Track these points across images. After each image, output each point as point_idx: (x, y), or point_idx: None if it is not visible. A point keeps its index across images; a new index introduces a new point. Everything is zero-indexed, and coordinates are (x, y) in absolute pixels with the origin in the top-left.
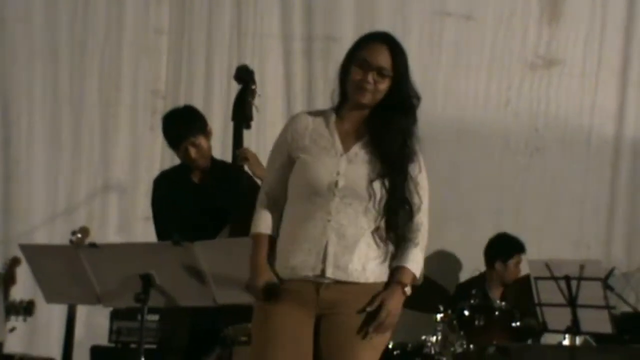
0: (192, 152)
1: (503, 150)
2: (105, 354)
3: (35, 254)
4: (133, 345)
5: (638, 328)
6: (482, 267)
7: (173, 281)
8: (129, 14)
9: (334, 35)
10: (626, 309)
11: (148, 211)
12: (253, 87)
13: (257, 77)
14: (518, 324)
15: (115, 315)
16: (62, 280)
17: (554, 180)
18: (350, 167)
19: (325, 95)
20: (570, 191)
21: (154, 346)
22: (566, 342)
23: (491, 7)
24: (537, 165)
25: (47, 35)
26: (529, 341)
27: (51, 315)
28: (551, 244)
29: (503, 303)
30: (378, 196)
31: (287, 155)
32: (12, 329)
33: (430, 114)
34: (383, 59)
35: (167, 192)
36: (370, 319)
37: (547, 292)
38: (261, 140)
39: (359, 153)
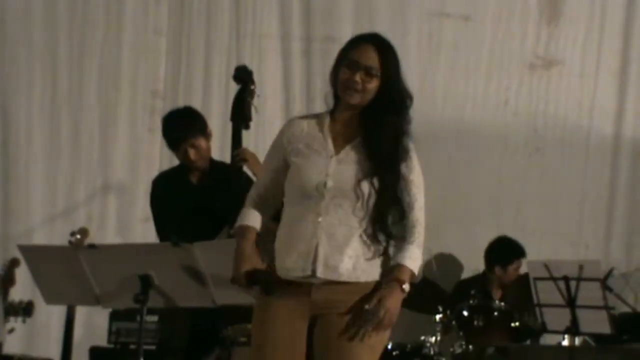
0: (192, 153)
1: (502, 150)
2: (104, 354)
3: (34, 254)
4: (132, 346)
5: (637, 328)
6: (482, 268)
7: (172, 282)
8: (128, 15)
9: (333, 36)
10: (625, 309)
11: (147, 212)
12: (252, 87)
13: (256, 78)
14: (517, 324)
15: (114, 316)
16: (61, 281)
17: (553, 181)
18: (339, 168)
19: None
20: (569, 191)
21: (153, 347)
22: (565, 342)
23: (490, 7)
24: (536, 165)
25: (46, 35)
26: (528, 341)
27: (50, 316)
28: (550, 244)
29: (502, 303)
30: (366, 196)
31: (283, 159)
32: (11, 330)
33: (430, 114)
34: (370, 59)
35: (166, 192)
36: (368, 317)
37: (546, 293)
38: (260, 141)
39: (349, 153)
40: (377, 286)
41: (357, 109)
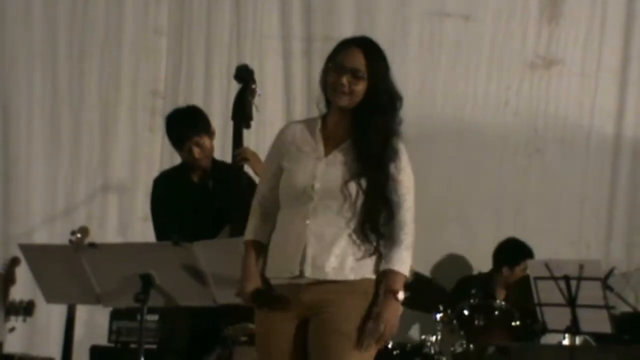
0: (196, 151)
1: (502, 150)
2: (105, 354)
3: (35, 254)
4: (133, 345)
5: (637, 328)
6: (482, 268)
7: (173, 281)
8: (128, 15)
9: (334, 36)
10: (626, 308)
11: (147, 211)
12: (253, 86)
13: (256, 77)
14: (518, 323)
15: (114, 315)
16: (62, 280)
17: (553, 180)
18: (327, 170)
19: None
20: (569, 191)
21: (153, 346)
22: (566, 342)
23: (490, 7)
24: (536, 165)
25: (46, 35)
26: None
27: (51, 315)
28: (551, 243)
29: (503, 303)
30: (354, 196)
31: (277, 164)
32: (12, 329)
33: (430, 114)
34: (356, 61)
35: (167, 191)
36: (370, 334)
37: (547, 292)
38: (261, 140)
39: (338, 155)
40: (369, 285)
41: (347, 111)
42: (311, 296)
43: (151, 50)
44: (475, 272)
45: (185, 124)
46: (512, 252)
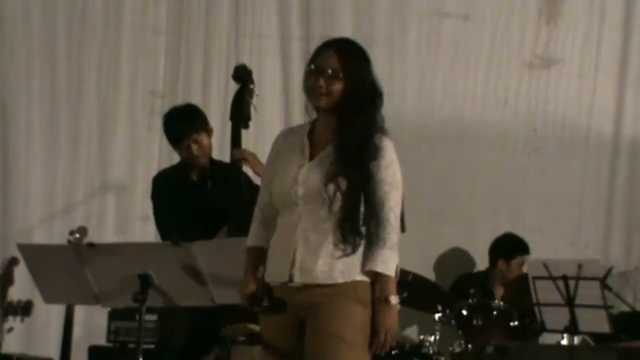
0: (195, 149)
1: (501, 150)
2: (103, 354)
3: (33, 253)
4: (131, 345)
5: (636, 327)
6: (481, 267)
7: (171, 281)
8: (126, 14)
9: (332, 35)
10: (624, 308)
11: (146, 211)
12: (251, 86)
13: (255, 77)
14: (516, 323)
15: (113, 315)
16: (60, 280)
17: (552, 180)
18: (308, 175)
19: None
20: (568, 191)
21: (152, 346)
22: (564, 341)
23: (489, 7)
24: (535, 165)
25: (45, 35)
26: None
27: (49, 315)
28: (549, 243)
29: (501, 303)
30: (333, 197)
31: (273, 172)
32: (10, 329)
33: (429, 114)
34: (332, 61)
35: (166, 190)
36: (373, 343)
37: (545, 292)
38: (259, 140)
39: (323, 159)
40: (360, 288)
41: (333, 114)
42: (303, 299)
43: (150, 50)
44: (473, 270)
45: (183, 122)
46: (507, 245)
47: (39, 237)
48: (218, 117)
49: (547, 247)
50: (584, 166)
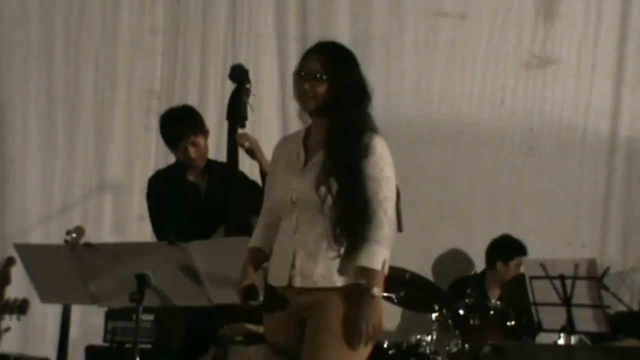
0: (192, 151)
1: (498, 149)
2: (100, 353)
3: (30, 253)
4: (128, 345)
5: (632, 327)
6: (477, 268)
7: (168, 281)
8: (124, 14)
9: (329, 35)
10: (621, 308)
11: (143, 211)
12: (248, 86)
13: (252, 77)
14: (513, 323)
15: (110, 315)
16: (57, 280)
17: (549, 180)
18: (301, 181)
19: None
20: (565, 190)
21: (149, 346)
22: (561, 341)
23: (486, 6)
24: (532, 164)
25: (42, 35)
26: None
27: (46, 315)
28: (546, 243)
29: (498, 302)
30: (325, 199)
31: (274, 180)
32: (7, 329)
33: (426, 113)
34: (315, 65)
35: (162, 190)
36: (357, 339)
37: (542, 292)
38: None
39: (316, 163)
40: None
41: (325, 118)
42: (305, 299)
43: (147, 50)
44: (471, 271)
45: (180, 124)
46: (505, 247)
47: (36, 237)
48: (215, 117)
49: (544, 247)
50: (581, 166)
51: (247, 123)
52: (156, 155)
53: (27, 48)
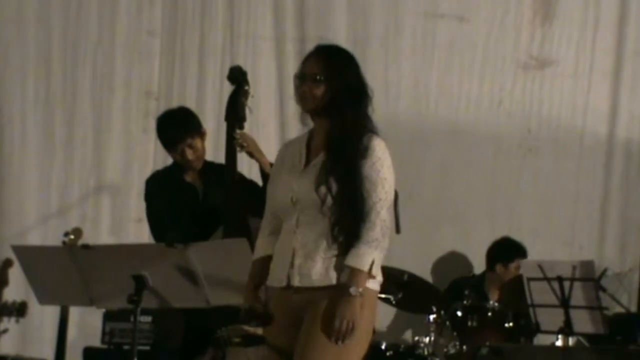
0: (189, 153)
1: (496, 151)
2: (98, 355)
3: (28, 255)
4: (126, 347)
5: (630, 328)
6: (475, 269)
7: (166, 282)
8: (121, 16)
9: (327, 37)
10: (619, 309)
11: (141, 212)
12: (246, 87)
13: (250, 79)
14: (511, 324)
15: (108, 317)
16: (55, 282)
17: (546, 181)
18: (301, 182)
19: None
20: (563, 192)
21: (147, 347)
22: (559, 342)
23: (484, 8)
24: (530, 166)
25: (39, 37)
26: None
27: (44, 317)
28: (544, 244)
29: (496, 304)
30: (324, 200)
31: (276, 183)
32: (5, 331)
33: (423, 115)
34: (313, 67)
35: (160, 192)
36: (330, 334)
37: (540, 293)
38: None
39: (316, 164)
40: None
41: (323, 118)
42: (302, 299)
43: (145, 52)
44: (469, 272)
45: (177, 126)
46: (506, 249)
47: (34, 239)
48: (213, 119)
49: (542, 248)
50: (579, 167)
51: (245, 124)
52: (154, 157)
53: (25, 49)
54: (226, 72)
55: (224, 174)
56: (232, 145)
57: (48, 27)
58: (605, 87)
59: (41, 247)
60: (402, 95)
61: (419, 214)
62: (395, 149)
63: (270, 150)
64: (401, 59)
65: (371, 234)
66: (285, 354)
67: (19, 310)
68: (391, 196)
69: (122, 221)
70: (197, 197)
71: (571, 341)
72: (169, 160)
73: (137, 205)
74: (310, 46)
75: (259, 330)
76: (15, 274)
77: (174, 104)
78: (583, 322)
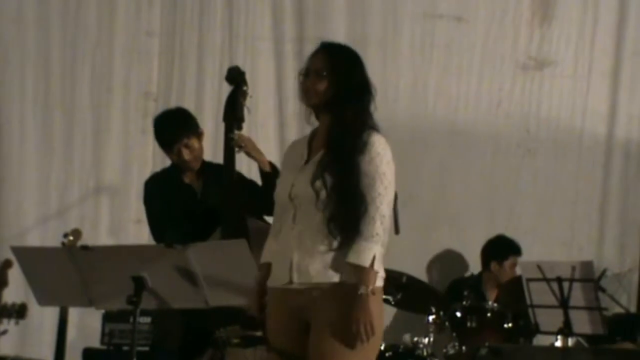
0: (186, 153)
1: (495, 151)
2: (98, 356)
3: (27, 256)
4: (125, 348)
5: (630, 329)
6: (474, 270)
7: (165, 283)
8: (120, 17)
9: (325, 37)
10: (618, 310)
11: (140, 213)
12: (244, 88)
13: (248, 79)
14: (510, 325)
15: (107, 318)
16: (54, 283)
17: (545, 182)
18: (300, 177)
19: None
20: (561, 192)
21: (146, 348)
22: (558, 343)
23: (482, 8)
24: (528, 166)
25: (38, 37)
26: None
27: (43, 318)
28: (543, 245)
29: (495, 304)
30: (320, 194)
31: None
32: (4, 332)
33: (422, 115)
34: (318, 63)
35: (159, 194)
36: (349, 337)
37: (539, 294)
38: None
39: (316, 160)
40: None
41: (327, 114)
42: (304, 300)
43: (143, 52)
44: (468, 273)
45: (174, 127)
46: (499, 247)
47: (33, 240)
48: (212, 119)
49: (541, 249)
50: (578, 168)
51: (244, 125)
52: (153, 158)
53: (24, 50)
54: (225, 72)
55: (222, 174)
56: (231, 145)
57: (47, 27)
58: (604, 87)
59: (40, 248)
60: (400, 96)
61: (418, 215)
62: (394, 149)
63: (270, 150)
64: (400, 60)
65: (370, 229)
66: (285, 355)
67: (19, 312)
68: (391, 191)
69: (121, 222)
70: (195, 198)
71: (570, 342)
72: (168, 161)
73: (136, 206)
74: (308, 47)
75: (257, 332)
76: (15, 275)
77: (173, 104)
78: (582, 323)
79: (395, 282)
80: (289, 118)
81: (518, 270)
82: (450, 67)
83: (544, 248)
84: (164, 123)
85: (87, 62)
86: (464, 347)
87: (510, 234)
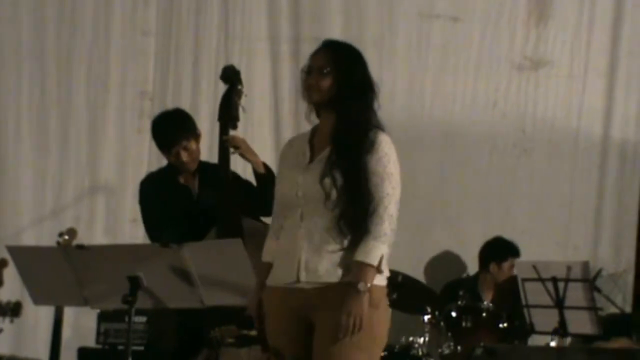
0: (184, 155)
1: (490, 151)
2: (93, 355)
3: (23, 255)
4: (120, 347)
5: (625, 329)
6: (470, 270)
7: (161, 283)
8: (116, 16)
9: (322, 37)
10: (613, 310)
11: (135, 213)
12: (239, 87)
13: (244, 79)
14: (505, 325)
15: (102, 317)
16: (50, 282)
17: (541, 182)
18: (307, 176)
19: None
20: (557, 192)
21: (141, 348)
22: (553, 343)
23: (478, 8)
24: (524, 166)
25: (34, 36)
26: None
27: (38, 317)
28: (539, 245)
29: (490, 304)
30: (330, 192)
31: (280, 180)
32: None
33: (418, 115)
34: (321, 60)
35: (154, 194)
36: (340, 330)
37: (535, 294)
38: (248, 140)
39: (321, 159)
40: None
41: (330, 113)
42: (311, 300)
43: (139, 52)
44: (464, 273)
45: (172, 128)
46: (498, 249)
47: (29, 239)
48: (207, 119)
49: (537, 249)
50: (573, 168)
51: (239, 124)
52: (149, 158)
53: (19, 50)
54: (220, 72)
55: (217, 174)
56: (225, 145)
57: (43, 27)
58: (600, 87)
59: (36, 247)
60: (396, 96)
61: (413, 215)
62: None
63: (265, 150)
64: (396, 60)
65: (380, 229)
66: (282, 356)
67: (14, 310)
68: (398, 192)
69: (116, 221)
70: (191, 198)
71: (566, 342)
72: (164, 161)
73: (131, 206)
74: (305, 47)
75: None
76: (10, 274)
77: (169, 104)
78: (578, 323)
79: (391, 281)
80: (285, 118)
81: (514, 271)
82: (446, 67)
83: (540, 248)
84: (163, 125)
85: (83, 61)
86: (459, 347)
87: (505, 233)
